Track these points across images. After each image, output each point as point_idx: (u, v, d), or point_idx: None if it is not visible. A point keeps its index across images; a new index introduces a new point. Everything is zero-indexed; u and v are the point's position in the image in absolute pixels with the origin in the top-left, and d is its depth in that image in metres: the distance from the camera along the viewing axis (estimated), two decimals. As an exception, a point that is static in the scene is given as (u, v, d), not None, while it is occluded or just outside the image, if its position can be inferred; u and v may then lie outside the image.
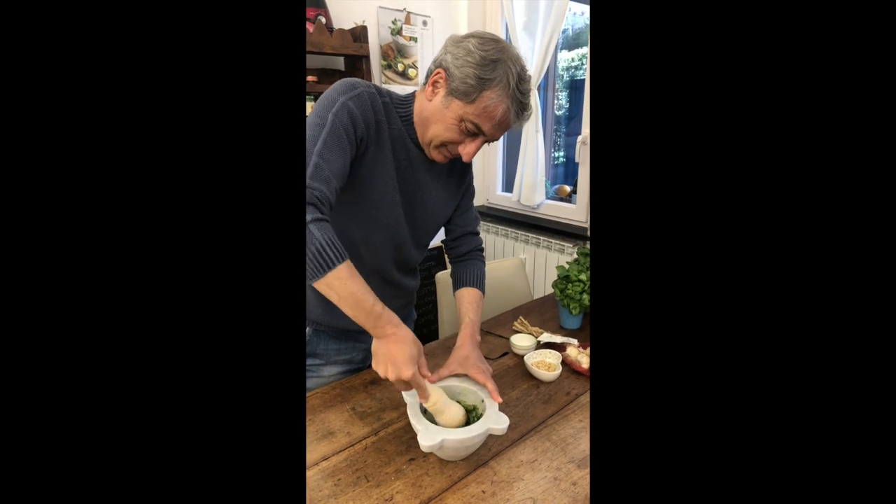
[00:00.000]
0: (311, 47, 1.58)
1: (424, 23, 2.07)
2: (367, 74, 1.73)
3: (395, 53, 2.00)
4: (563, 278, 1.11)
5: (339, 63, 1.86)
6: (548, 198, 2.13)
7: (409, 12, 2.00)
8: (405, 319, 1.03)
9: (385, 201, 0.78)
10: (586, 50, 1.92)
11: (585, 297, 1.07)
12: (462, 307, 0.90)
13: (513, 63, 0.68)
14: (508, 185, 2.38)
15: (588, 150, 1.82)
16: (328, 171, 0.64)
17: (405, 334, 0.67)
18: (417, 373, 0.66)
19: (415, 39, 2.05)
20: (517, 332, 1.10)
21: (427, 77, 0.73)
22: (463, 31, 2.18)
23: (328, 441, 0.72)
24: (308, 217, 0.60)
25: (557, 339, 1.04)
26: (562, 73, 2.15)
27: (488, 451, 0.70)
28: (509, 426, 0.66)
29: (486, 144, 0.76)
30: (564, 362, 0.95)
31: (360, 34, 1.70)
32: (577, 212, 1.98)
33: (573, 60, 2.12)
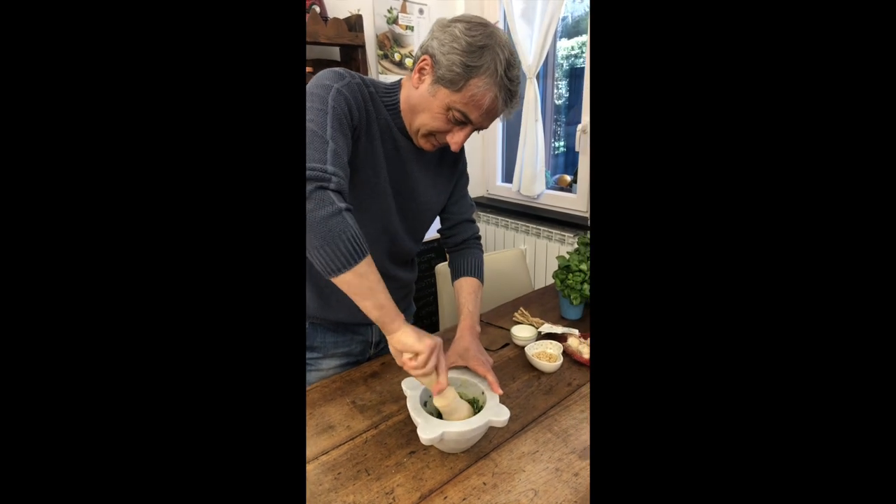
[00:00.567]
0: (306, 37, 1.56)
1: (421, 11, 2.04)
2: (362, 64, 1.71)
3: (391, 43, 1.97)
4: (564, 268, 1.10)
5: (335, 53, 1.84)
6: (548, 188, 2.12)
7: (405, 1, 1.97)
8: (405, 312, 1.02)
9: (378, 192, 0.76)
10: (586, 38, 1.89)
11: (586, 287, 1.06)
12: (461, 297, 0.89)
13: (501, 49, 0.65)
14: (508, 176, 2.36)
15: (588, 139, 1.80)
16: (343, 157, 0.63)
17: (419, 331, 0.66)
18: (441, 350, 0.64)
19: (411, 28, 2.02)
20: (518, 323, 1.09)
21: (413, 63, 0.72)
22: (460, 19, 2.15)
23: (328, 435, 0.72)
24: (342, 204, 0.58)
25: (558, 329, 1.03)
26: (561, 61, 2.12)
27: (489, 443, 0.70)
28: (510, 418, 0.66)
29: (476, 132, 0.75)
30: (565, 353, 0.94)
31: (355, 23, 1.67)
32: (577, 201, 1.97)
33: (573, 49, 2.08)
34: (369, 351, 0.96)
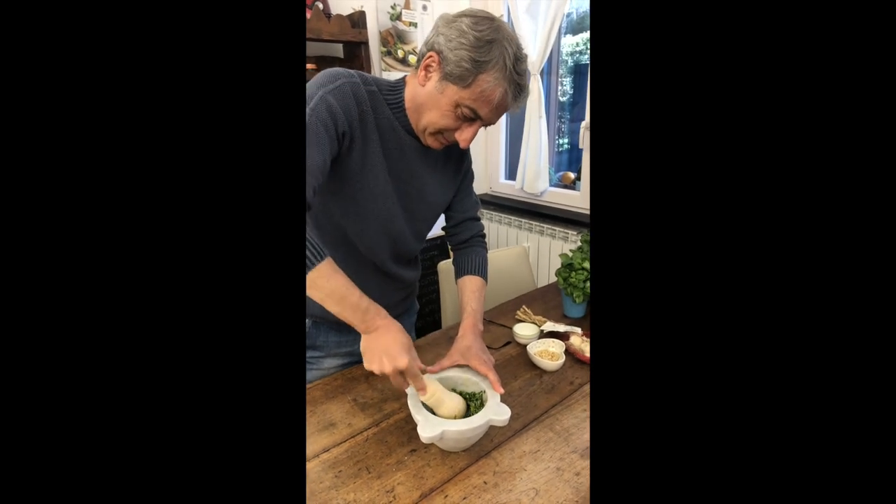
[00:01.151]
0: (308, 34, 1.55)
1: (424, 7, 2.03)
2: (366, 61, 1.71)
3: (394, 39, 1.96)
4: (567, 266, 1.09)
5: (338, 50, 1.83)
6: (551, 185, 2.11)
7: (408, -3, 1.96)
8: (408, 311, 1.02)
9: (377, 194, 0.76)
10: (590, 33, 1.88)
11: (589, 285, 1.05)
12: (464, 296, 0.88)
13: (508, 43, 0.65)
14: (511, 173, 2.35)
15: (592, 135, 1.79)
16: (317, 161, 0.63)
17: (393, 325, 0.66)
18: (413, 363, 0.65)
19: (415, 25, 2.01)
20: (520, 321, 1.09)
21: (419, 61, 0.70)
22: (464, 15, 2.14)
23: (329, 432, 0.72)
24: None
25: (561, 328, 1.03)
26: (566, 58, 2.10)
27: (490, 442, 0.69)
28: (511, 416, 0.66)
29: (484, 129, 0.74)
30: (568, 351, 0.94)
31: (358, 20, 1.66)
32: (581, 199, 1.96)
33: (577, 45, 2.07)
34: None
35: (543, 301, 1.23)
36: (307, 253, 0.60)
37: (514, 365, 0.92)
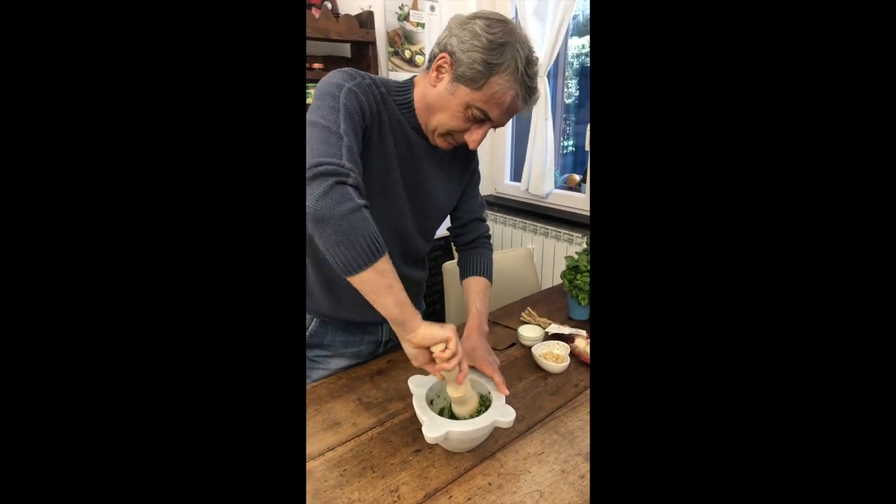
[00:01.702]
0: (317, 34, 1.56)
1: (432, 8, 2.03)
2: (373, 61, 1.71)
3: (401, 40, 1.97)
4: (572, 269, 1.09)
5: (346, 50, 1.84)
6: (557, 187, 2.11)
7: (416, -3, 1.96)
8: (416, 311, 1.02)
9: (389, 192, 0.76)
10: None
11: (594, 288, 1.05)
12: (469, 297, 0.88)
13: (521, 46, 0.65)
14: (517, 175, 2.35)
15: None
16: (356, 154, 0.62)
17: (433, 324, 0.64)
18: (458, 343, 0.63)
19: (422, 25, 2.01)
20: (525, 322, 1.09)
21: (430, 61, 0.71)
22: (471, 16, 2.14)
23: (334, 431, 0.72)
24: (360, 200, 0.57)
25: (565, 330, 1.03)
26: (572, 59, 2.10)
27: (495, 443, 0.69)
28: (516, 418, 0.66)
29: (492, 131, 0.74)
30: (572, 354, 0.94)
31: (366, 20, 1.67)
32: (585, 201, 1.95)
33: (583, 47, 2.07)
34: (378, 351, 0.96)
35: (548, 303, 1.23)
36: (379, 242, 0.58)
37: (518, 366, 0.92)
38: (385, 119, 0.72)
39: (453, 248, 1.01)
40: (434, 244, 2.12)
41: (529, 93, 0.68)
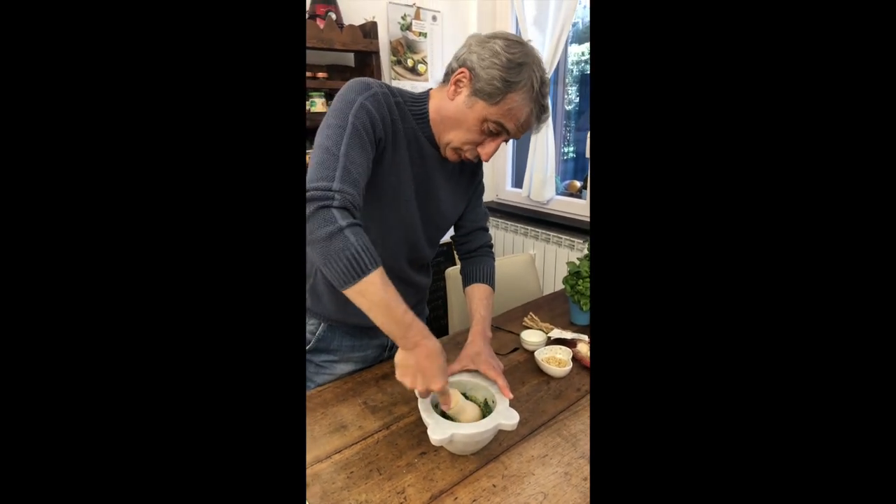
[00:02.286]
0: (321, 43, 1.59)
1: (434, 18, 2.06)
2: (376, 70, 1.74)
3: (404, 49, 2.00)
4: (574, 274, 1.11)
5: (350, 59, 1.87)
6: (558, 193, 2.12)
7: (418, 7, 1.99)
8: (419, 316, 1.03)
9: (401, 200, 0.78)
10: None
11: (596, 293, 1.06)
12: (473, 303, 0.90)
13: (537, 67, 0.69)
14: (518, 181, 2.37)
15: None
16: (356, 173, 0.63)
17: (434, 346, 0.66)
18: (447, 385, 0.67)
19: (424, 35, 2.04)
20: (527, 327, 1.10)
21: (448, 75, 0.73)
22: (473, 26, 2.17)
23: (341, 434, 0.73)
24: (343, 222, 0.58)
25: (567, 335, 1.04)
26: (572, 67, 2.13)
27: (499, 446, 0.70)
28: (520, 421, 0.67)
29: (504, 143, 0.77)
30: (574, 358, 0.95)
31: (369, 30, 1.70)
32: (587, 207, 1.97)
33: (583, 54, 2.09)
34: (384, 355, 0.98)
35: (550, 308, 1.24)
36: (365, 259, 0.59)
37: (521, 371, 0.93)
38: (400, 128, 0.74)
39: (455, 254, 1.02)
40: (437, 250, 2.13)
41: (542, 110, 0.72)
